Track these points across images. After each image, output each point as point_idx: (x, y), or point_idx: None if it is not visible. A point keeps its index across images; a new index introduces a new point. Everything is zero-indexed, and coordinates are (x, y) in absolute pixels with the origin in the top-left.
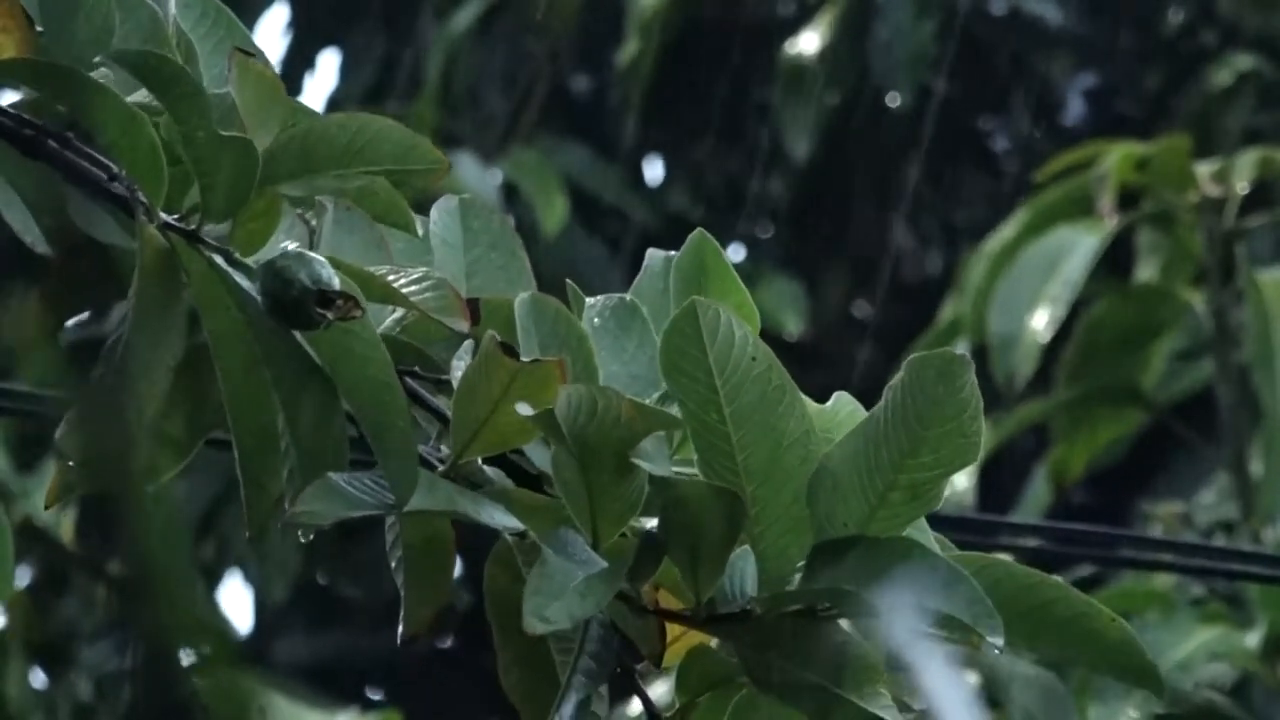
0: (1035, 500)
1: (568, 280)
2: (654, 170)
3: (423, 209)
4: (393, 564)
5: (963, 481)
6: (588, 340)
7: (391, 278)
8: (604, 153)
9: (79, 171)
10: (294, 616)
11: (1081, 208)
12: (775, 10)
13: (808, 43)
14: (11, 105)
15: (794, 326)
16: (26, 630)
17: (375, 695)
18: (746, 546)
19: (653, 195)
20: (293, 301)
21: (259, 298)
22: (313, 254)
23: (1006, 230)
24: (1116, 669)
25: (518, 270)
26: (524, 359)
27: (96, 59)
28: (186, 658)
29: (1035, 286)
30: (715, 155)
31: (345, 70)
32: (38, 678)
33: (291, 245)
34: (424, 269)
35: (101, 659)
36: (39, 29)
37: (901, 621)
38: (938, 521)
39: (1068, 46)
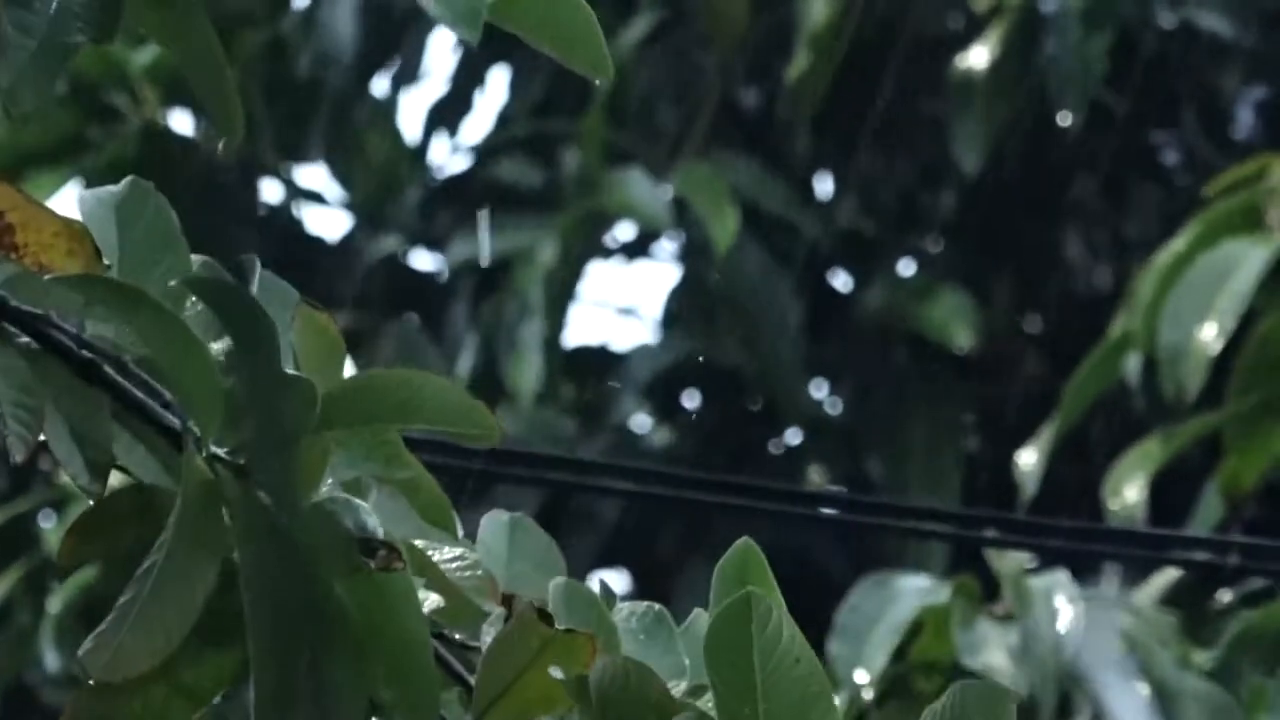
0: (1207, 514)
1: (601, 579)
2: (824, 184)
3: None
4: None
5: (1133, 495)
6: (616, 633)
7: (431, 552)
8: (774, 167)
9: (131, 400)
10: None
11: (1251, 220)
12: (944, 24)
13: (977, 57)
14: (73, 324)
15: (964, 340)
16: None
17: None
18: None
19: (823, 209)
20: (336, 546)
21: (302, 540)
22: (359, 502)
23: (1176, 243)
24: None
25: None
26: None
27: (171, 283)
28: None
29: (1205, 299)
30: (885, 169)
31: (514, 86)
32: None
33: (338, 494)
34: (461, 549)
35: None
36: (107, 262)
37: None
38: (1109, 536)
39: (1238, 59)
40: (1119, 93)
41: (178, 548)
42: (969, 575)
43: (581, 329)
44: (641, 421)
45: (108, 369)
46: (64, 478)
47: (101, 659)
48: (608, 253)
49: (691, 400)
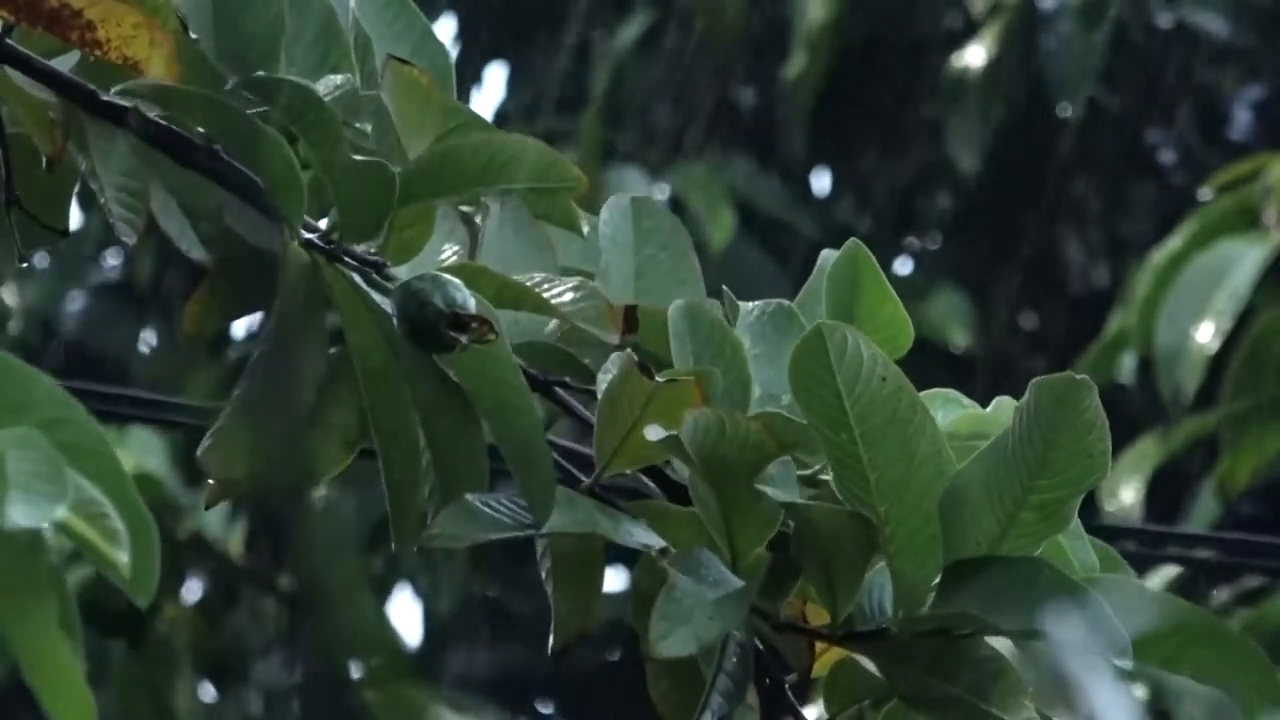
0: (1203, 512)
1: (723, 287)
2: (821, 183)
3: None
4: (543, 574)
5: (1130, 495)
6: (742, 349)
7: (545, 287)
8: (771, 166)
9: (229, 180)
10: (463, 629)
11: (1248, 220)
12: (941, 23)
13: (974, 56)
14: (161, 116)
15: (962, 339)
16: (196, 644)
17: (544, 708)
18: (884, 563)
19: (820, 208)
20: (427, 324)
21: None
22: (448, 276)
23: (1173, 242)
24: (1248, 687)
25: (688, 271)
26: (667, 374)
27: (228, 85)
28: (356, 670)
29: (1201, 299)
30: (882, 168)
31: (512, 84)
32: (207, 692)
33: (447, 251)
34: (579, 278)
35: (271, 673)
36: (194, 35)
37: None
38: (1106, 533)
39: (1234, 59)
40: (1115, 92)
41: (283, 334)
42: None
43: None
44: None
45: (201, 156)
46: None
47: (220, 457)
48: None
49: None
